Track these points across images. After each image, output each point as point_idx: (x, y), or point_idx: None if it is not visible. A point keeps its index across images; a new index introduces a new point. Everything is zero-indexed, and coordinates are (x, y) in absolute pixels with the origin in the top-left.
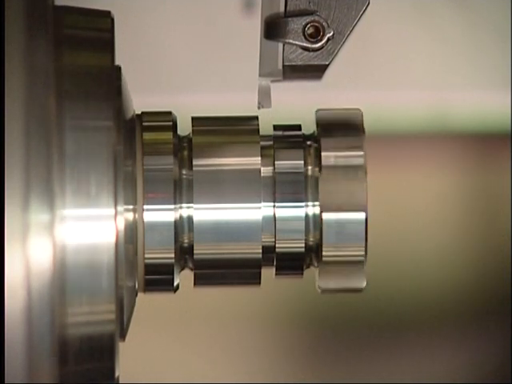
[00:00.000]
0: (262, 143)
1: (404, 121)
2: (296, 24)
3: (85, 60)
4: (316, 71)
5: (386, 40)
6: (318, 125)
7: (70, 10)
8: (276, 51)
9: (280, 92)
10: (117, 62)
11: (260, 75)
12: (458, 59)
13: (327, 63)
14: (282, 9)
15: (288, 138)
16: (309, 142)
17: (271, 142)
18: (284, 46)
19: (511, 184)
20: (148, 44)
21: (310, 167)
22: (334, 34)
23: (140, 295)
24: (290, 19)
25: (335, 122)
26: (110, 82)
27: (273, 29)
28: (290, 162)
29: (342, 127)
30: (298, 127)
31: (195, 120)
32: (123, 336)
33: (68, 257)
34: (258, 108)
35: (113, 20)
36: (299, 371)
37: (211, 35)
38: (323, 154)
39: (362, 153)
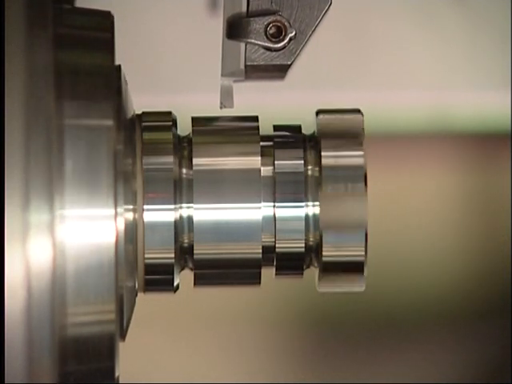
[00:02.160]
0: (262, 143)
1: (404, 121)
2: (258, 24)
3: (85, 59)
4: (278, 71)
5: (386, 40)
6: (317, 125)
7: (70, 10)
8: (238, 51)
9: (280, 92)
10: (117, 62)
11: (222, 75)
12: (458, 59)
13: (289, 63)
14: (244, 8)
15: (288, 138)
16: (309, 143)
17: (271, 142)
18: (246, 45)
19: (511, 184)
20: (148, 44)
21: (310, 167)
22: (296, 34)
23: (140, 295)
24: (251, 19)
25: (335, 122)
26: (110, 81)
27: (235, 28)
28: (290, 162)
29: (341, 127)
30: (298, 127)
31: (195, 120)
32: (123, 336)
33: (68, 257)
34: (221, 108)
35: (113, 20)
36: (299, 371)
37: (211, 34)
38: (323, 153)
39: (361, 153)
